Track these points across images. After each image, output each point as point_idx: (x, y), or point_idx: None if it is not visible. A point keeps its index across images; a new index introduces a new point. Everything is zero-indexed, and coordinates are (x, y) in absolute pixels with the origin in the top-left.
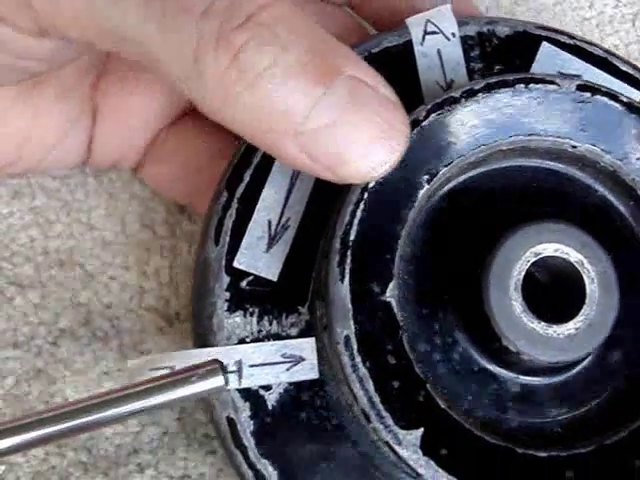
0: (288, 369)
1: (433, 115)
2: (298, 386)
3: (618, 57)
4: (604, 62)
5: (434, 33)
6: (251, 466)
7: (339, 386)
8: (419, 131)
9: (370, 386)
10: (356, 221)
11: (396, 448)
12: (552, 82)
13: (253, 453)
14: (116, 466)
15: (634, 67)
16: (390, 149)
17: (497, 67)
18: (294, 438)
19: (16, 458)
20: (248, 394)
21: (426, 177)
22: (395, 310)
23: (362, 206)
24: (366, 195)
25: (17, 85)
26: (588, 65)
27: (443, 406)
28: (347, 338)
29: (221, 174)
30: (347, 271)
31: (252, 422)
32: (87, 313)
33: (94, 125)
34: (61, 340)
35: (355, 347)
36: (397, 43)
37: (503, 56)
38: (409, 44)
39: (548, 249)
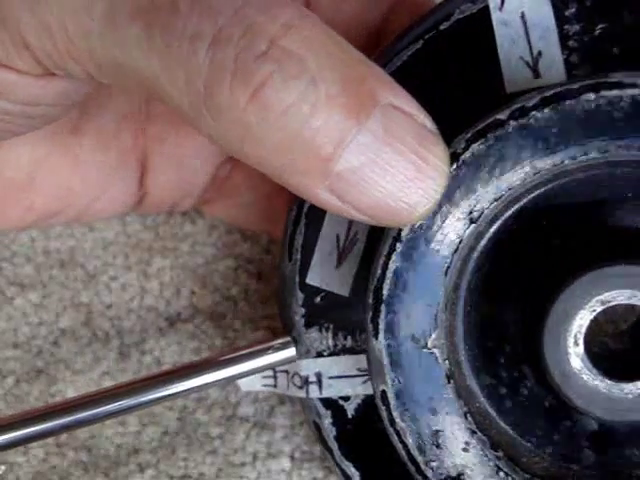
0: (364, 382)
1: (474, 145)
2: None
3: None
4: None
5: None
6: (337, 465)
7: None
8: (459, 165)
9: (409, 440)
10: (389, 274)
11: None
12: (633, 85)
13: (337, 455)
14: (116, 466)
15: None
16: (427, 190)
17: (599, 27)
18: (374, 444)
19: (16, 458)
20: (329, 403)
21: (471, 216)
22: (440, 360)
23: (394, 257)
24: (399, 246)
25: (51, 135)
26: None
27: (491, 456)
28: (383, 393)
29: None
30: (381, 327)
31: (334, 428)
32: (88, 313)
33: (147, 173)
34: (61, 340)
35: (393, 403)
36: (471, 12)
37: (608, 10)
38: (485, 11)
39: (619, 297)
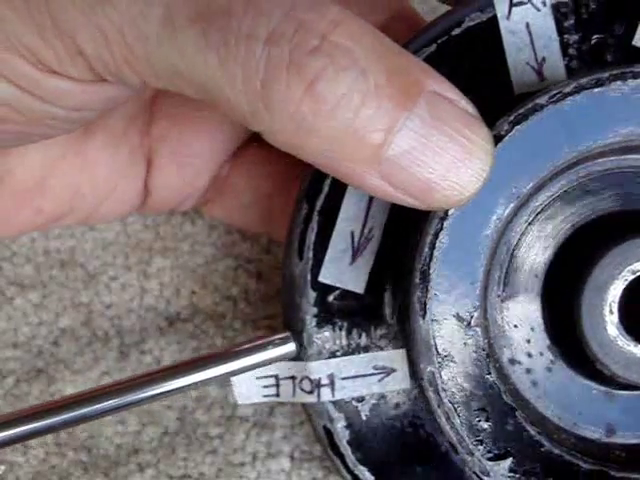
0: (380, 380)
1: (517, 127)
2: (390, 396)
3: None
4: None
5: (521, 4)
6: (349, 471)
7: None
8: (502, 146)
9: (457, 421)
10: (436, 253)
11: (484, 479)
12: None
13: (350, 460)
14: (116, 466)
15: None
16: (476, 170)
17: (595, 37)
18: (389, 445)
19: (16, 458)
20: (342, 405)
21: (511, 194)
22: (482, 338)
23: (441, 236)
24: (445, 224)
25: (64, 137)
26: None
27: (533, 432)
28: (431, 374)
29: (300, 184)
30: (429, 306)
31: (347, 432)
32: (88, 313)
33: (151, 173)
34: (61, 340)
35: (440, 383)
36: (480, 21)
37: (602, 23)
38: (494, 20)
39: None
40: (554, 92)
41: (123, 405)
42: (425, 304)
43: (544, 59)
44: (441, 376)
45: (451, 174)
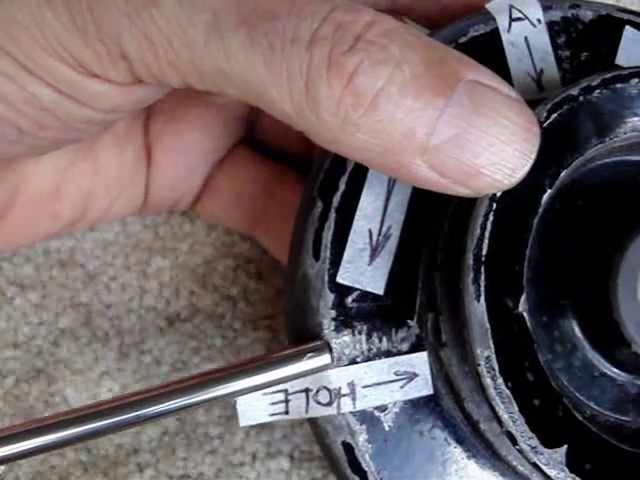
0: (402, 387)
1: (554, 115)
2: (413, 404)
3: None
4: None
5: (519, 20)
6: None
7: (458, 403)
8: (542, 133)
9: (515, 408)
10: (487, 234)
11: (544, 468)
12: None
13: (373, 477)
14: (116, 466)
15: None
16: (524, 152)
17: (584, 54)
18: (414, 458)
19: None
20: (363, 416)
21: (548, 180)
22: (528, 323)
23: (492, 217)
24: (495, 206)
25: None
26: None
27: (580, 418)
28: (488, 359)
29: (309, 178)
30: (482, 288)
31: (370, 446)
32: (87, 313)
33: (150, 171)
34: (61, 340)
35: (497, 368)
36: (484, 31)
37: (589, 42)
38: (496, 32)
39: None
40: (584, 85)
41: (142, 418)
42: (479, 287)
43: (542, 71)
44: (498, 361)
45: (499, 157)
